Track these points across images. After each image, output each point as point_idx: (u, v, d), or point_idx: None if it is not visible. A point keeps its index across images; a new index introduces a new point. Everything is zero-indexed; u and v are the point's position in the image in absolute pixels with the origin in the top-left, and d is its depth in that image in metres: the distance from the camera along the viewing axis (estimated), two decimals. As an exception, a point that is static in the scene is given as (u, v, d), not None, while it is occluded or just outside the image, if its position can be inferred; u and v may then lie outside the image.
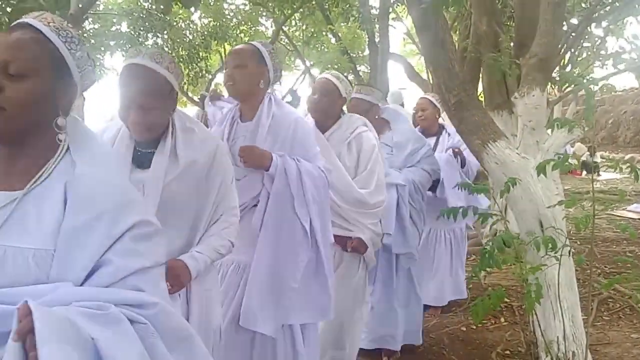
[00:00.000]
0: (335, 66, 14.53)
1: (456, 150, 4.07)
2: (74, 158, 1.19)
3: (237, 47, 2.55)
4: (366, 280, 3.17)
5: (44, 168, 1.17)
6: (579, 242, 5.97)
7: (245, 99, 2.49)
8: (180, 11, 12.78)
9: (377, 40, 11.48)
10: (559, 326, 2.78)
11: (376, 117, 3.48)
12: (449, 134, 4.25)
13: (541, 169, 2.74)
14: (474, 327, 4.09)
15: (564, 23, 5.68)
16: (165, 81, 1.88)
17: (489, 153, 3.23)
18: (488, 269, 2.71)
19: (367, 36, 12.52)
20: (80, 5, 4.56)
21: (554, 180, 3.24)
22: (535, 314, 2.90)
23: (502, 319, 4.11)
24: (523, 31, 5.55)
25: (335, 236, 2.74)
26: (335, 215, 2.80)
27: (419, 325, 3.66)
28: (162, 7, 6.08)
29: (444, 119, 4.48)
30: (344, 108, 3.20)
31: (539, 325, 2.90)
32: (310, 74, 15.49)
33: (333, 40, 13.90)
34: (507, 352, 3.57)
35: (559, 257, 2.61)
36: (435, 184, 3.90)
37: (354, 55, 14.19)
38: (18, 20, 1.20)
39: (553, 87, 8.13)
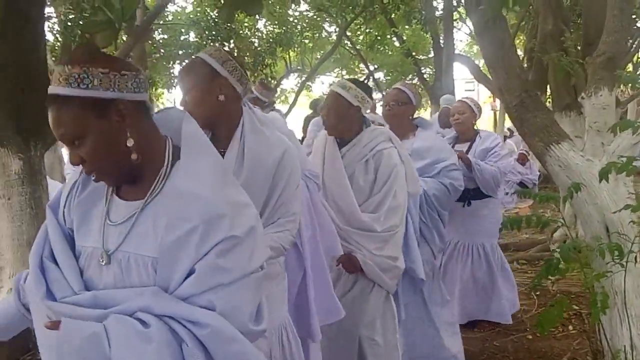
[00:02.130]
0: (399, 69, 14.52)
1: (459, 153, 3.83)
2: (175, 170, 1.30)
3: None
4: (386, 304, 2.86)
5: (157, 177, 1.30)
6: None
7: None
8: (247, 19, 13.03)
9: (441, 41, 11.37)
10: (626, 335, 2.68)
11: (410, 117, 3.44)
12: (481, 138, 4.12)
13: (604, 174, 2.62)
14: (540, 335, 3.98)
15: (636, 19, 5.48)
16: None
17: (552, 156, 3.15)
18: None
19: (431, 38, 12.40)
20: (145, 17, 4.71)
21: (625, 184, 3.12)
22: (602, 322, 2.80)
23: (571, 327, 3.98)
24: (591, 29, 5.40)
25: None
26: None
27: (437, 349, 3.29)
28: (225, 16, 6.10)
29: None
30: (373, 115, 3.07)
31: (605, 334, 2.79)
32: (374, 78, 15.45)
33: (397, 43, 13.81)
34: (575, 360, 3.45)
35: (624, 263, 2.50)
36: (465, 195, 3.78)
37: (419, 58, 14.07)
38: (49, 98, 1.25)
39: (625, 86, 7.84)
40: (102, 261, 1.29)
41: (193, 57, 2.03)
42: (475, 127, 4.23)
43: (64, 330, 1.14)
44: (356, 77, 18.73)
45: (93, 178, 1.31)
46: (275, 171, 1.96)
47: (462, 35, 20.24)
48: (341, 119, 2.76)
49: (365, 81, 16.24)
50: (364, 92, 2.77)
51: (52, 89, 1.23)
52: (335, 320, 2.47)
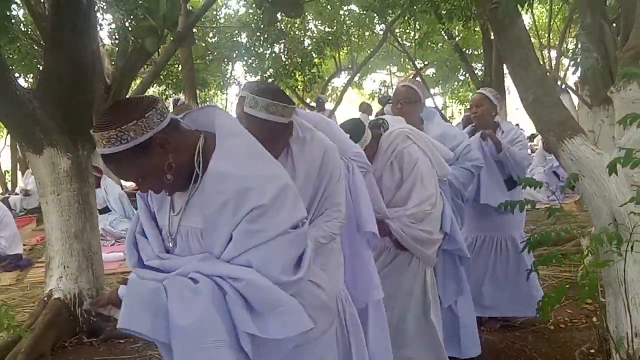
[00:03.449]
0: (447, 65, 14.46)
1: (488, 132, 3.91)
2: (213, 156, 1.55)
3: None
4: (426, 281, 3.10)
5: (195, 171, 1.57)
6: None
7: None
8: (297, 21, 13.27)
9: (491, 36, 11.28)
10: (629, 322, 2.74)
11: (420, 113, 3.59)
12: (502, 132, 4.10)
13: (612, 167, 2.70)
14: (563, 325, 4.04)
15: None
16: (280, 125, 2.13)
17: (565, 150, 3.21)
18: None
19: (481, 33, 12.31)
20: (187, 23, 4.98)
21: (632, 176, 3.18)
22: (608, 311, 2.88)
23: (595, 319, 4.00)
24: (629, 24, 5.35)
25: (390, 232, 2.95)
26: None
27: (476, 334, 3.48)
28: (267, 18, 6.33)
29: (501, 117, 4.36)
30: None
31: (607, 322, 2.87)
32: (421, 75, 15.42)
33: (446, 38, 13.76)
34: (592, 350, 3.50)
35: (622, 252, 2.58)
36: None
37: (469, 53, 14.00)
38: (104, 157, 1.50)
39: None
40: (170, 244, 1.64)
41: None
42: (495, 120, 4.17)
43: (130, 286, 1.46)
44: (406, 73, 18.75)
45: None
46: (319, 170, 2.23)
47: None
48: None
49: (414, 78, 16.27)
50: (355, 131, 2.91)
51: (102, 151, 1.49)
52: (375, 299, 2.67)
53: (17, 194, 10.57)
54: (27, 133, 3.88)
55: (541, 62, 12.07)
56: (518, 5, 3.52)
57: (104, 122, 1.47)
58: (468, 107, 4.34)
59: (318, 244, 2.20)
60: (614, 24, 6.13)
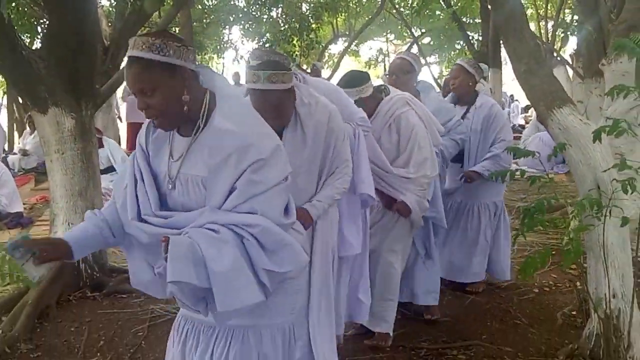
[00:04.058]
0: (444, 34, 14.47)
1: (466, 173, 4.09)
2: (214, 113, 1.70)
3: None
4: (408, 237, 3.43)
5: (198, 122, 1.72)
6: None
7: None
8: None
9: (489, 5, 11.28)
10: (607, 284, 2.91)
11: (414, 84, 3.79)
12: (476, 107, 4.14)
13: (597, 136, 2.84)
14: (547, 289, 4.23)
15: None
16: (284, 91, 2.32)
17: (553, 119, 3.33)
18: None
19: (479, 1, 12.31)
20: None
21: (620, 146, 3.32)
22: (589, 273, 3.05)
23: (579, 283, 4.18)
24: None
25: (381, 193, 3.20)
26: (381, 179, 3.17)
27: (437, 285, 3.72)
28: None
29: (484, 85, 4.44)
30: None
31: (587, 284, 3.04)
32: (418, 44, 15.42)
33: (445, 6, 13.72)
34: (574, 312, 3.68)
35: (601, 217, 2.73)
36: (460, 156, 4.04)
37: (467, 22, 14.00)
38: (128, 54, 1.66)
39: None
40: (169, 185, 1.76)
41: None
42: (475, 89, 4.23)
43: (172, 243, 1.55)
44: (404, 41, 18.73)
45: (153, 123, 1.75)
46: (326, 132, 2.47)
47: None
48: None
49: (408, 47, 16.25)
50: (350, 87, 3.15)
51: (136, 53, 1.63)
52: (353, 253, 2.91)
53: (15, 153, 10.63)
54: (33, 92, 3.97)
55: (538, 33, 12.12)
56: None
57: (153, 32, 1.67)
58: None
59: (333, 201, 2.51)
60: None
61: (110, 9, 10.62)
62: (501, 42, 9.19)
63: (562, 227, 4.62)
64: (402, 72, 3.78)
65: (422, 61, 13.62)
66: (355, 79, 3.22)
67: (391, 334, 3.35)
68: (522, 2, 4.06)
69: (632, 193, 2.69)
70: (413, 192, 3.19)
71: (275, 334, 1.93)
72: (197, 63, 1.75)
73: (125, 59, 1.71)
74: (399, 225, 3.34)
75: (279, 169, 1.70)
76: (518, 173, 3.08)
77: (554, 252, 4.84)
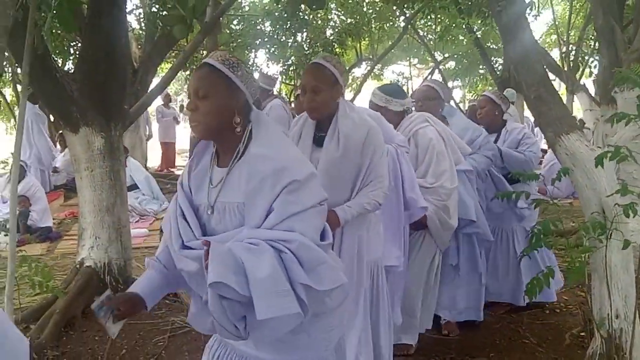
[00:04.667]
0: (467, 60, 14.61)
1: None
2: (251, 144, 1.81)
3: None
4: (428, 261, 3.59)
5: (236, 150, 1.83)
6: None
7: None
8: (320, 11, 13.48)
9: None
10: (611, 304, 3.00)
11: (440, 110, 3.94)
12: (507, 131, 4.37)
13: (599, 161, 2.96)
14: (558, 310, 4.30)
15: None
16: (333, 75, 2.59)
17: (561, 145, 3.45)
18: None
19: (501, 28, 12.39)
20: (214, 13, 5.26)
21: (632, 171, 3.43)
22: (592, 293, 3.14)
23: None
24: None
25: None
26: None
27: (479, 302, 3.95)
28: (290, 11, 6.60)
29: (511, 115, 4.60)
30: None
31: (592, 304, 3.13)
32: (440, 70, 15.57)
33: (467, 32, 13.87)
34: (583, 333, 3.75)
35: (604, 240, 2.84)
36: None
37: (490, 47, 14.13)
38: (202, 61, 1.86)
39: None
40: (209, 211, 1.85)
41: (317, 62, 2.69)
42: (503, 118, 4.46)
43: (212, 246, 1.64)
44: (427, 66, 18.90)
45: (192, 125, 1.82)
46: (363, 145, 2.63)
47: (538, 25, 19.92)
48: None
49: (430, 72, 16.40)
50: (385, 94, 3.50)
51: (210, 61, 1.81)
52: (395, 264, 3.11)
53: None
54: (66, 113, 4.20)
55: (561, 59, 12.17)
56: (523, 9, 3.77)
57: (231, 55, 1.85)
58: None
59: (363, 210, 2.64)
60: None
61: (140, 32, 10.98)
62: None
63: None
64: (428, 99, 3.95)
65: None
66: (402, 93, 3.54)
67: (414, 345, 3.59)
68: (545, 28, 4.20)
69: (634, 217, 2.80)
70: (431, 202, 3.33)
71: None
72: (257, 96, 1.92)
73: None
74: (424, 245, 3.54)
75: (314, 193, 1.78)
76: (526, 196, 3.22)
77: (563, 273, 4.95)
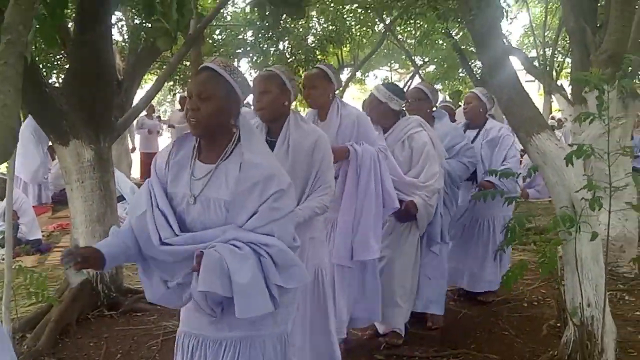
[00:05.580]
0: (446, 64, 14.83)
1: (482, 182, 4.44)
2: (242, 149, 1.99)
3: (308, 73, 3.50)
4: (418, 248, 3.85)
5: (225, 150, 2.01)
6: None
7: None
8: (302, 19, 13.62)
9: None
10: (582, 294, 3.18)
11: (427, 110, 4.16)
12: (485, 129, 4.58)
13: (568, 159, 3.14)
14: (536, 303, 4.48)
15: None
16: (281, 80, 2.82)
17: (532, 144, 3.62)
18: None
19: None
20: (198, 26, 5.40)
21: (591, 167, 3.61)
22: (565, 284, 3.32)
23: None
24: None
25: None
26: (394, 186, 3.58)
27: (441, 296, 4.08)
28: (271, 21, 6.78)
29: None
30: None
31: (565, 295, 3.31)
32: (420, 74, 15.80)
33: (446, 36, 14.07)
34: (559, 324, 3.92)
35: (574, 233, 3.02)
36: (474, 176, 4.40)
37: (468, 50, 14.32)
38: (203, 65, 2.06)
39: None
40: (191, 202, 2.00)
41: (269, 69, 2.95)
42: (486, 115, 4.70)
43: (205, 257, 1.81)
44: (408, 70, 19.14)
45: (191, 121, 1.97)
46: (312, 153, 2.81)
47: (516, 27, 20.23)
48: (375, 113, 3.76)
49: (410, 77, 16.64)
50: (389, 92, 3.73)
51: (211, 65, 2.00)
52: (369, 258, 3.41)
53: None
54: (55, 126, 4.31)
55: (537, 60, 12.42)
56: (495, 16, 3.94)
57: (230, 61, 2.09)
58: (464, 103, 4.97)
59: (313, 213, 2.81)
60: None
61: (124, 44, 11.06)
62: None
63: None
64: (415, 99, 4.23)
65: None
66: (402, 93, 3.82)
67: (402, 334, 3.80)
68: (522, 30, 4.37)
69: (599, 210, 2.97)
70: (421, 196, 3.62)
71: (276, 342, 2.11)
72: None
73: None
74: (411, 235, 3.79)
75: (291, 200, 2.03)
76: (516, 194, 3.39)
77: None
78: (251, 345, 2.06)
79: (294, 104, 3.10)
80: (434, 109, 4.42)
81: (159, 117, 14.80)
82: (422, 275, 3.96)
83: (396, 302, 3.75)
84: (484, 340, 3.86)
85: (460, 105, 8.10)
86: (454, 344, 3.78)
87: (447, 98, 19.92)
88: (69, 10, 5.73)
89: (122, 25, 11.28)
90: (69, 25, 5.76)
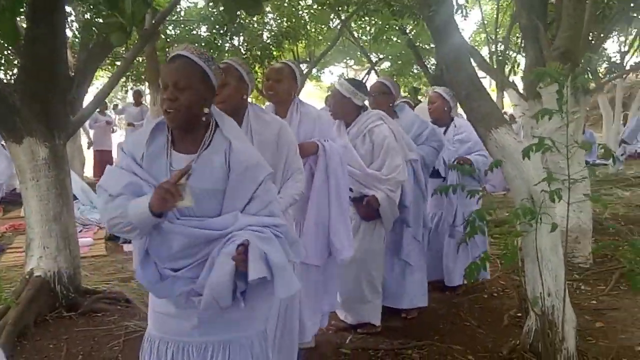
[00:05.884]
0: (400, 60, 14.96)
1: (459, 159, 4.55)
2: (226, 136, 2.00)
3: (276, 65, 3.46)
4: (382, 245, 3.89)
5: (204, 138, 1.99)
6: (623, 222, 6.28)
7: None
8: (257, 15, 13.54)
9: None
10: (542, 284, 3.26)
11: (390, 104, 4.22)
12: (455, 126, 4.68)
13: (526, 153, 3.20)
14: (496, 294, 4.58)
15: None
16: (237, 70, 2.84)
17: (491, 138, 3.69)
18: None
19: (432, 29, 12.75)
20: (153, 21, 5.31)
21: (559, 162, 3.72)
22: (525, 275, 3.40)
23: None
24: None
25: (358, 207, 3.72)
26: (355, 182, 3.67)
27: (424, 288, 4.19)
28: (228, 16, 6.71)
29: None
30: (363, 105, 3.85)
31: (526, 285, 3.39)
32: (375, 70, 15.92)
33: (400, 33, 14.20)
34: (519, 314, 4.02)
35: (534, 224, 3.09)
36: (439, 173, 4.51)
37: (422, 47, 14.50)
38: (175, 52, 1.99)
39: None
40: None
41: (225, 61, 2.92)
42: (451, 114, 4.77)
43: (251, 248, 1.83)
44: (363, 67, 19.25)
45: (168, 112, 1.92)
46: (277, 142, 2.84)
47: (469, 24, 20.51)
48: (339, 107, 3.83)
49: (366, 76, 16.78)
50: (353, 87, 3.78)
51: (186, 53, 1.95)
52: (348, 255, 3.40)
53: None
54: (9, 124, 4.18)
55: (489, 57, 12.66)
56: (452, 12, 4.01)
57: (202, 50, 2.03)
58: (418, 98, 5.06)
59: (293, 200, 2.88)
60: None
61: (74, 39, 10.79)
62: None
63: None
64: (378, 93, 4.27)
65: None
66: (365, 89, 3.92)
67: (377, 325, 3.91)
68: (475, 27, 4.44)
69: (559, 201, 3.05)
70: (383, 190, 3.67)
71: (261, 339, 2.15)
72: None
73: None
74: (376, 232, 3.83)
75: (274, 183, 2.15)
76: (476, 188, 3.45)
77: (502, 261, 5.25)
78: (241, 347, 2.07)
79: (249, 99, 3.05)
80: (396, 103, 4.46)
81: (115, 106, 14.47)
82: (406, 267, 4.07)
83: (366, 297, 3.82)
84: (447, 331, 3.93)
85: (419, 102, 8.19)
86: (418, 336, 3.84)
87: (403, 94, 20.20)
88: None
89: (72, 21, 11.00)
90: (18, 20, 5.59)
